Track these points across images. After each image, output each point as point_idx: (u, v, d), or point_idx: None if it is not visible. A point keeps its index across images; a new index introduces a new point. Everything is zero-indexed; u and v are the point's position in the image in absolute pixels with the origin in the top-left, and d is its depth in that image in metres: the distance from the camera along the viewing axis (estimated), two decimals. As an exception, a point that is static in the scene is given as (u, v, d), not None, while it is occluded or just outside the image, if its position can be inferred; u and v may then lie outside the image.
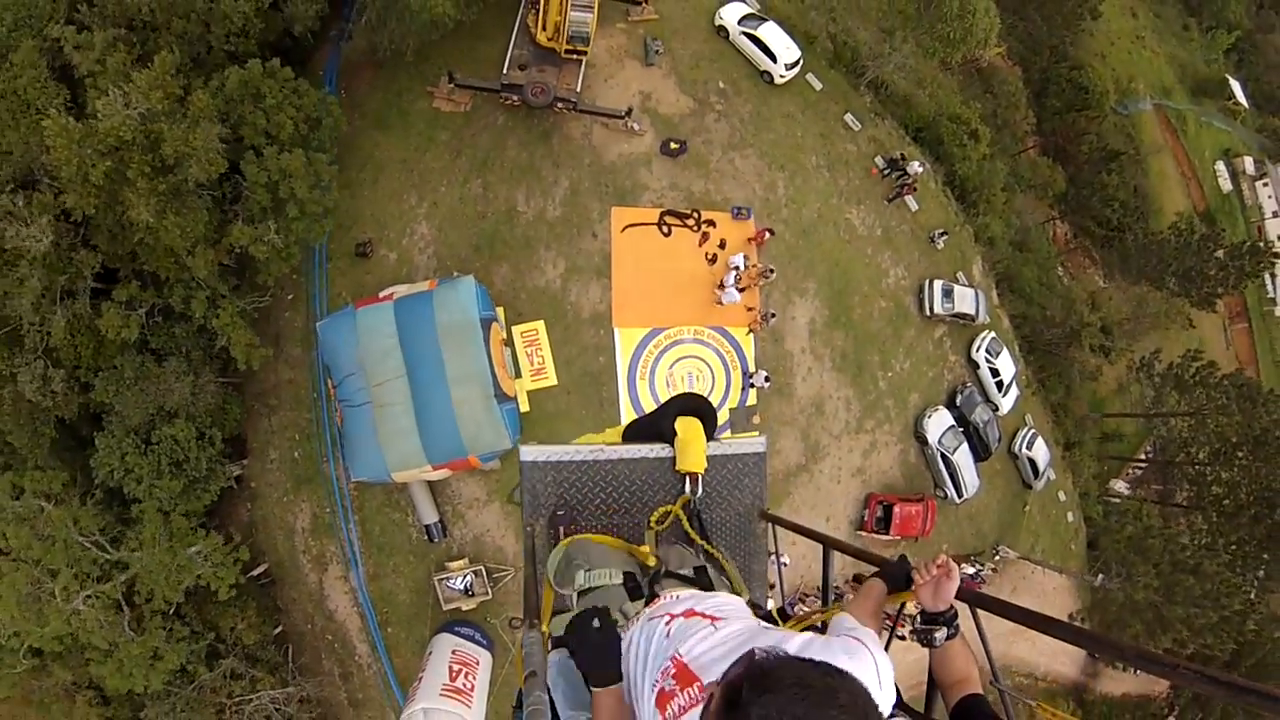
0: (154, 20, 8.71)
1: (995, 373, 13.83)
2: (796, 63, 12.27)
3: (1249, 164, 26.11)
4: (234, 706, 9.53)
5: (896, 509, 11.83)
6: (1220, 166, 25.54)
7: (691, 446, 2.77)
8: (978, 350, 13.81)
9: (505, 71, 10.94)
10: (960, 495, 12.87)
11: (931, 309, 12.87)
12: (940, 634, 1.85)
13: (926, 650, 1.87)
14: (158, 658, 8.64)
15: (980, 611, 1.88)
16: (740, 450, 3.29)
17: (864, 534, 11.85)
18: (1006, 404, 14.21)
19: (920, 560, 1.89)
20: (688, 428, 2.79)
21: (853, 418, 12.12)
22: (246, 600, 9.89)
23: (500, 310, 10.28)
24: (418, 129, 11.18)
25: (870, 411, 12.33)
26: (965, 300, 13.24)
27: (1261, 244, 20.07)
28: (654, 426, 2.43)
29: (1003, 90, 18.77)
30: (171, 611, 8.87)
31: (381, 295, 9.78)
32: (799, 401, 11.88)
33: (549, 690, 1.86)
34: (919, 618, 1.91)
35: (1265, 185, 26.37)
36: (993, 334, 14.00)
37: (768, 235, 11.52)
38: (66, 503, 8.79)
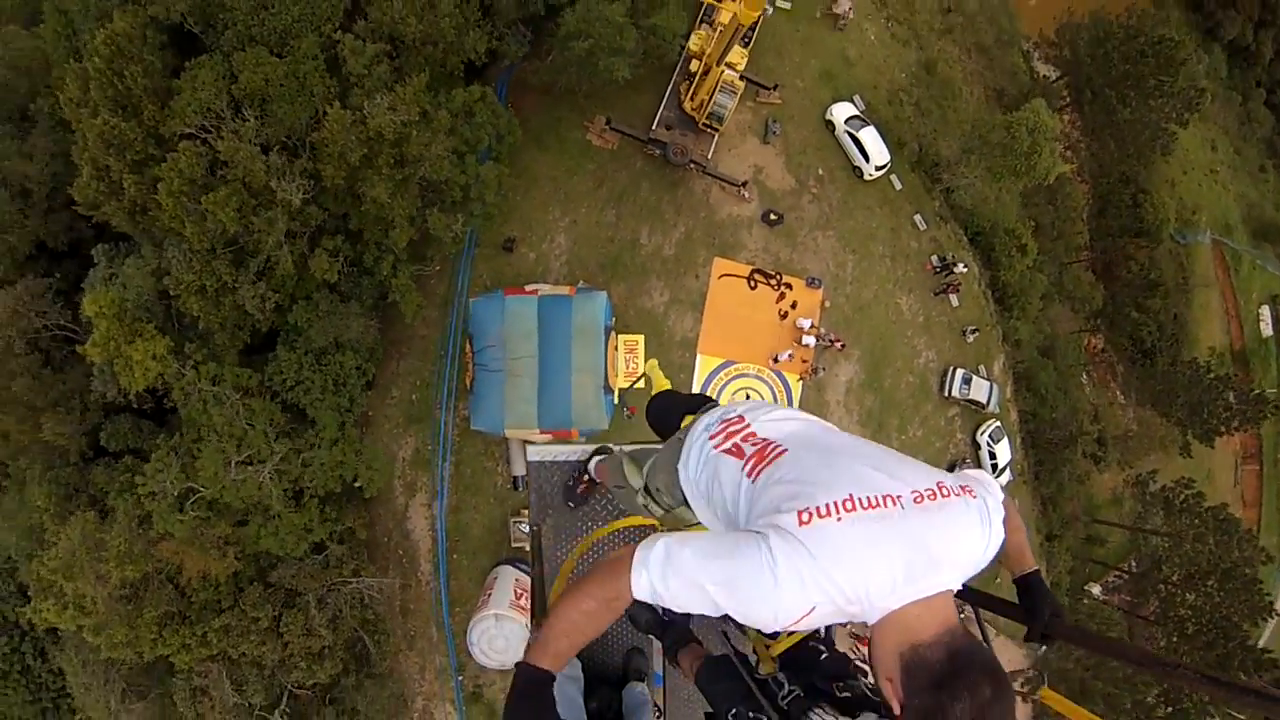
0: (413, 43, 13.28)
1: (993, 456, 18.84)
2: (885, 165, 17.16)
3: (1293, 314, 31.66)
4: (337, 584, 14.13)
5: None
6: (1264, 310, 30.97)
7: None
8: (982, 434, 18.82)
9: (654, 128, 15.68)
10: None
11: (950, 391, 17.83)
12: None
13: None
14: (308, 530, 13.21)
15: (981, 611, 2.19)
16: None
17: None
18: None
19: None
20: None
21: (858, 414, 17.05)
22: (360, 504, 14.48)
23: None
24: (570, 155, 15.87)
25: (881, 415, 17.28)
26: (980, 390, 18.23)
27: (1269, 395, 25.48)
28: (666, 413, 2.65)
29: (1065, 204, 23.84)
30: (324, 497, 13.45)
31: (528, 289, 14.46)
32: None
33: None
34: None
35: (1306, 337, 31.91)
36: (998, 423, 19.00)
37: (839, 345, 16.35)
38: (258, 397, 13.34)
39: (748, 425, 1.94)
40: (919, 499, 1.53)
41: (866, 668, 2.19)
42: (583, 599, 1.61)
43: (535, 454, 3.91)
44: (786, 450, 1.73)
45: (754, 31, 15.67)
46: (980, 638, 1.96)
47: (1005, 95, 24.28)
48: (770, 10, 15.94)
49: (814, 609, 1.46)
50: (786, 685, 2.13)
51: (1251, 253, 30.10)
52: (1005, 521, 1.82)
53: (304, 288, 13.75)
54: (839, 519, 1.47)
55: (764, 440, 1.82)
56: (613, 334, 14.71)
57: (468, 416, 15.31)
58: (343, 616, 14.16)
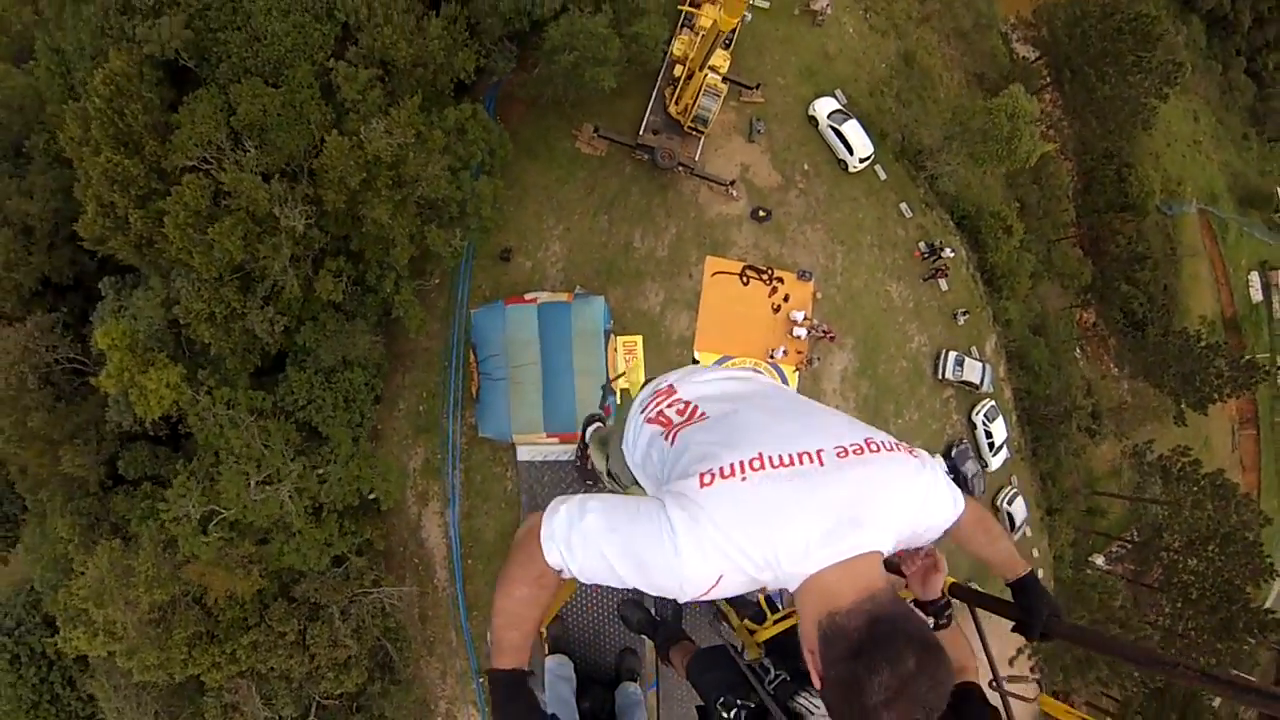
0: (404, 66, 13.94)
1: (989, 435, 19.69)
2: (869, 157, 17.92)
3: (1283, 278, 32.66)
4: (358, 595, 14.86)
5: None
6: (1254, 277, 31.95)
7: None
8: (977, 414, 19.65)
9: (641, 133, 16.39)
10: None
11: (944, 374, 18.65)
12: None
13: None
14: (329, 544, 13.94)
15: (980, 611, 2.17)
16: None
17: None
18: (995, 463, 20.09)
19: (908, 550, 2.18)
20: None
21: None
22: (376, 515, 15.21)
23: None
24: (560, 163, 16.57)
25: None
26: (973, 371, 19.05)
27: (1259, 361, 26.42)
28: None
29: (1050, 183, 24.68)
30: (342, 511, 14.18)
31: (527, 297, 15.18)
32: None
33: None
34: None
35: (1297, 301, 32.92)
36: (993, 402, 19.84)
37: (830, 337, 17.11)
38: (273, 418, 14.03)
39: (675, 392, 1.90)
40: (842, 454, 1.47)
41: None
42: (512, 586, 1.55)
43: (526, 454, 4.12)
44: (707, 413, 1.69)
45: (734, 34, 16.37)
46: (982, 643, 1.96)
47: (985, 79, 25.08)
48: (749, 17, 16.63)
49: (720, 578, 1.40)
50: (773, 671, 2.15)
51: (1238, 220, 31.07)
52: (978, 522, 1.83)
53: (310, 309, 14.44)
54: (743, 479, 1.41)
55: (686, 403, 1.78)
56: (612, 336, 15.45)
57: (474, 425, 16.05)
58: (365, 626, 14.91)
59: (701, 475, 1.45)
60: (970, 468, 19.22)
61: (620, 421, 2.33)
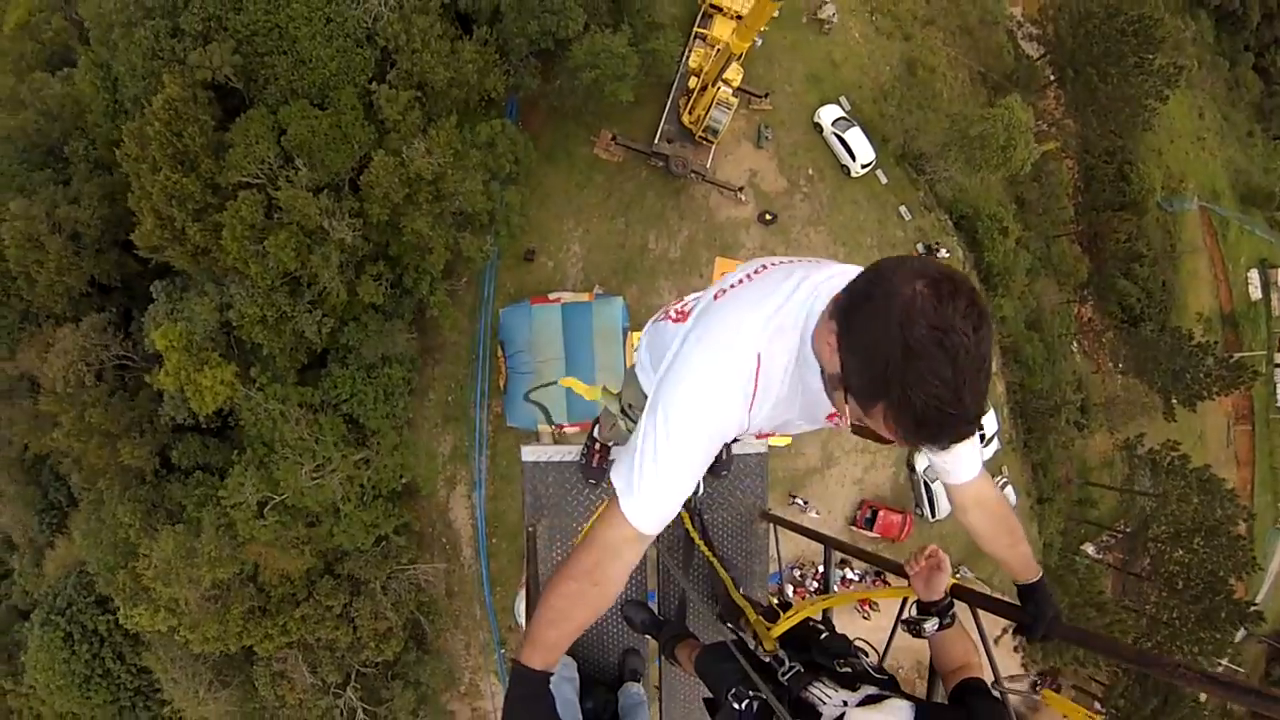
0: (441, 88, 15.97)
1: (980, 427, 22.13)
2: (870, 163, 20.08)
3: (1282, 275, 35.05)
4: (396, 571, 17.29)
5: (881, 514, 20.10)
6: (1253, 274, 34.26)
7: None
8: (972, 408, 22.07)
9: (656, 141, 18.50)
10: (933, 516, 21.20)
11: (940, 370, 20.96)
12: (930, 624, 2.32)
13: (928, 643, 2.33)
14: (374, 526, 16.31)
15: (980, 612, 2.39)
16: (743, 451, 4.17)
17: (854, 528, 20.07)
18: (986, 453, 22.56)
19: (912, 552, 2.45)
20: None
21: (862, 440, 20.26)
22: (411, 498, 17.59)
23: (624, 321, 18.03)
24: (580, 169, 18.69)
25: (878, 441, 20.52)
26: (968, 367, 21.41)
27: (1246, 361, 28.91)
28: None
29: (1049, 181, 26.87)
30: (386, 495, 16.53)
31: (550, 297, 17.42)
32: (784, 481, 19.93)
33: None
34: (914, 608, 2.43)
35: (1296, 298, 35.35)
36: (986, 397, 22.25)
37: None
38: (323, 411, 16.30)
39: (697, 296, 2.03)
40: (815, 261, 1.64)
41: (867, 648, 2.39)
42: (563, 581, 1.59)
43: (530, 454, 4.13)
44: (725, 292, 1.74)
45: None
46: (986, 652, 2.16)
47: (989, 77, 27.14)
48: (760, 42, 18.65)
49: (759, 356, 1.53)
50: (787, 662, 2.29)
51: (1239, 218, 33.31)
52: (1003, 520, 2.12)
53: (352, 310, 16.63)
54: (750, 277, 1.66)
55: (707, 294, 1.86)
56: (629, 333, 17.73)
57: (500, 414, 18.37)
58: (402, 600, 17.37)
59: (715, 295, 1.70)
60: (963, 458, 21.75)
61: (630, 369, 2.67)
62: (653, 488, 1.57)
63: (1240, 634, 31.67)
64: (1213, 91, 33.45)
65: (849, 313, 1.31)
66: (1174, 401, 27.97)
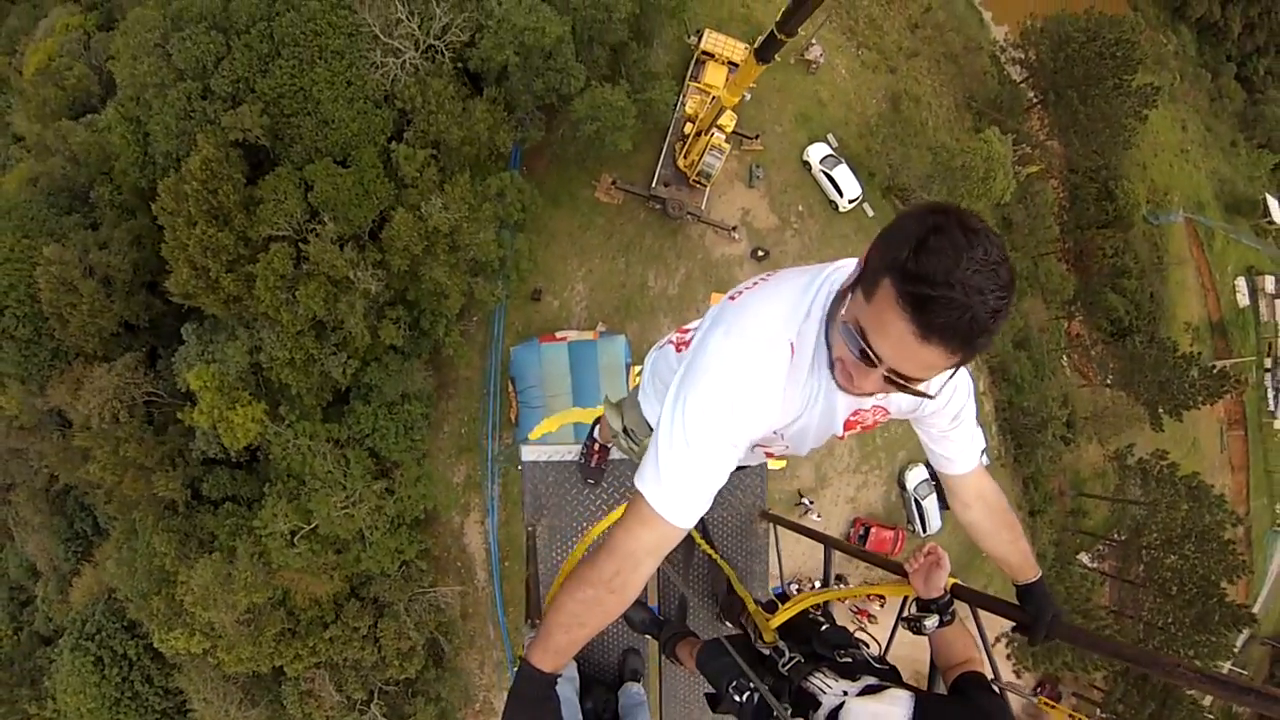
0: (454, 145, 18.21)
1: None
2: (857, 198, 22.44)
3: (1270, 282, 37.59)
4: (417, 594, 19.47)
5: (874, 531, 22.41)
6: (1240, 282, 36.83)
7: None
8: (958, 427, 24.42)
9: (654, 185, 20.81)
10: (924, 531, 23.52)
11: (927, 392, 23.30)
12: (930, 622, 2.45)
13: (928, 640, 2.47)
14: (399, 552, 18.50)
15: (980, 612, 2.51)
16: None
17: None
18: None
19: (911, 549, 2.64)
20: None
21: (854, 460, 22.62)
22: (430, 526, 19.78)
23: (627, 356, 20.31)
24: (582, 211, 20.97)
25: (867, 458, 22.85)
26: (954, 388, 23.77)
27: (1230, 370, 31.44)
28: None
29: (1035, 201, 29.29)
30: (410, 523, 18.73)
31: (558, 335, 19.67)
32: (789, 488, 22.25)
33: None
34: (914, 605, 2.56)
35: (1283, 303, 37.93)
36: (973, 416, 24.60)
37: None
38: (350, 446, 18.48)
39: (698, 324, 2.23)
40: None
41: (868, 639, 2.64)
42: (580, 587, 1.64)
43: (530, 454, 4.30)
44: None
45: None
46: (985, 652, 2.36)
47: (974, 102, 29.62)
48: (749, 96, 20.96)
49: (790, 344, 1.63)
50: (787, 653, 2.48)
51: (1224, 228, 35.89)
52: (1003, 515, 2.31)
53: (374, 351, 18.84)
54: (738, 298, 1.81)
55: (718, 304, 1.94)
56: (631, 368, 20.00)
57: (511, 444, 20.58)
58: (423, 621, 19.54)
59: (731, 297, 1.82)
60: (950, 474, 24.10)
61: (633, 391, 2.86)
62: (682, 475, 1.61)
63: (1243, 637, 34.09)
64: (1196, 104, 36.07)
65: (869, 251, 1.42)
66: (1161, 412, 30.44)
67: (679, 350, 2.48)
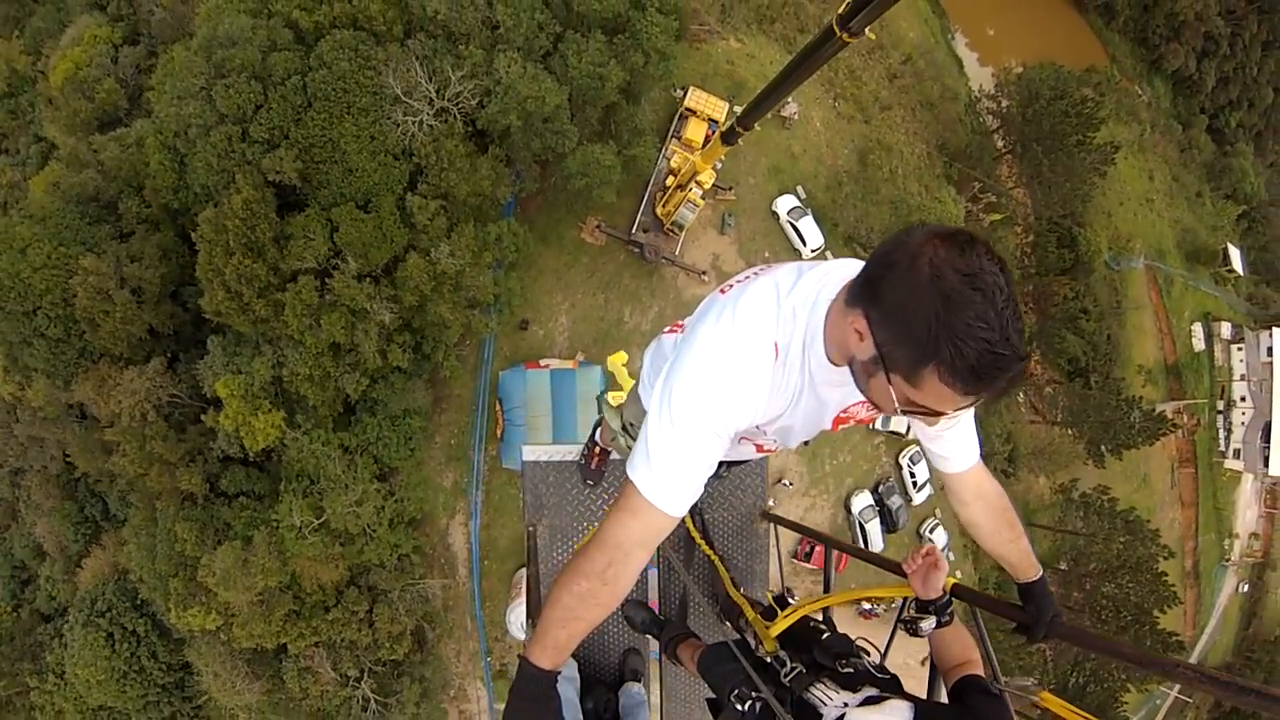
0: (461, 197, 23.51)
1: (913, 475, 30.43)
2: (819, 248, 28.12)
3: (1226, 329, 44.02)
4: (409, 585, 24.95)
5: (818, 549, 28.21)
6: (1197, 328, 43.13)
7: None
8: (904, 457, 30.33)
9: (634, 231, 26.31)
10: (864, 550, 29.42)
11: (874, 425, 29.16)
12: (927, 623, 2.66)
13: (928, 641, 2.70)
14: (397, 546, 23.93)
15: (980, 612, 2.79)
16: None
17: (795, 561, 28.15)
18: (919, 498, 30.89)
19: (909, 551, 3.01)
20: None
21: (802, 485, 28.44)
22: (421, 525, 25.27)
23: (605, 384, 25.81)
24: (568, 250, 26.43)
25: (816, 483, 28.69)
26: (901, 423, 29.62)
27: (1170, 414, 37.74)
28: None
29: (998, 248, 34.92)
30: (406, 522, 24.16)
31: (541, 363, 25.14)
32: (770, 469, 28.03)
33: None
34: (912, 607, 2.79)
35: (1239, 349, 44.40)
36: (916, 448, 30.50)
37: None
38: (358, 454, 23.85)
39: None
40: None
41: (869, 648, 2.82)
42: (574, 581, 1.82)
43: (530, 453, 4.88)
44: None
45: (711, 156, 26.23)
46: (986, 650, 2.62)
47: (947, 147, 35.43)
48: (720, 165, 26.45)
49: (777, 344, 1.87)
50: (789, 663, 2.66)
51: (1184, 275, 42.14)
52: (1003, 512, 2.54)
53: (382, 371, 24.19)
54: (727, 291, 2.05)
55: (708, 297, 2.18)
56: (606, 395, 25.59)
57: (496, 456, 26.05)
58: (412, 609, 25.02)
59: (721, 290, 2.09)
60: (894, 502, 30.00)
61: (634, 387, 3.42)
62: (671, 459, 1.83)
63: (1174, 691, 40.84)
64: (1165, 154, 42.23)
65: (874, 285, 1.59)
66: (1103, 450, 36.68)
67: (673, 333, 2.99)
